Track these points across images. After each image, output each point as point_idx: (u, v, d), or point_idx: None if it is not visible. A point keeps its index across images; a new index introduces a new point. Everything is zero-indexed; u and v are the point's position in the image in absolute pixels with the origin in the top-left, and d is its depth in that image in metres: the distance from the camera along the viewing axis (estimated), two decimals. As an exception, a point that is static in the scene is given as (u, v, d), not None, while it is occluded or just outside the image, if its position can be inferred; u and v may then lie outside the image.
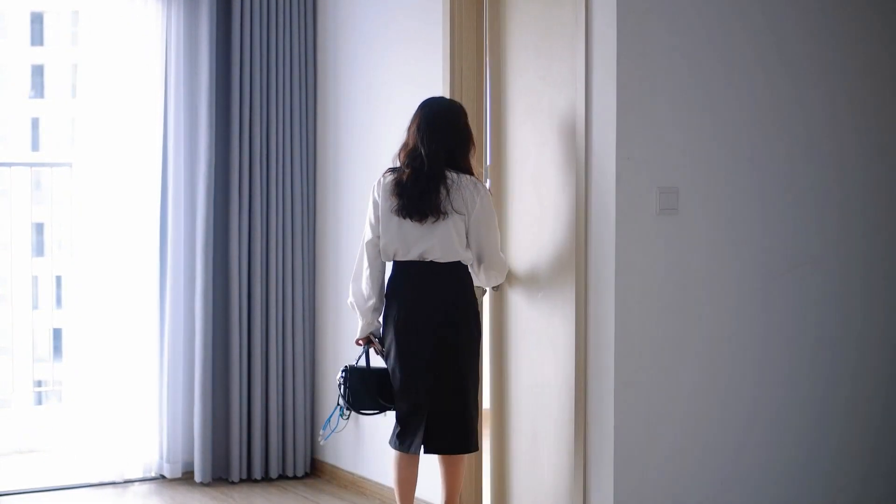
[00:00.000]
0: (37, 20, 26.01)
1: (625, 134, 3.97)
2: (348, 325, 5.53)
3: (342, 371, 4.36)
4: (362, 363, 4.35)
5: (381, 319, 4.33)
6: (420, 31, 5.00)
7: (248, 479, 5.63)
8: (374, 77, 5.34)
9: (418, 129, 4.19)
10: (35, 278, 7.08)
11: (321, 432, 5.57)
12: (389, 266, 4.31)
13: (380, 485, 5.31)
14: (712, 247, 4.17)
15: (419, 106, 4.27)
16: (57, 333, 6.48)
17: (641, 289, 4.03)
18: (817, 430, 4.41)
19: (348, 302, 4.40)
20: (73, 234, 5.58)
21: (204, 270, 5.47)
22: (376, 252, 4.27)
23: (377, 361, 4.38)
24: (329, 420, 5.53)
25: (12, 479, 5.57)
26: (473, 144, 4.27)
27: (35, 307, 7.19)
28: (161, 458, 5.60)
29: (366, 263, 4.29)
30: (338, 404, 4.50)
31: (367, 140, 5.39)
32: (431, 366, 4.19)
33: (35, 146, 24.58)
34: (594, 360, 4.07)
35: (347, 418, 5.48)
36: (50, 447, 6.05)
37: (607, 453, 4.02)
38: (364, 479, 5.43)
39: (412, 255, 4.18)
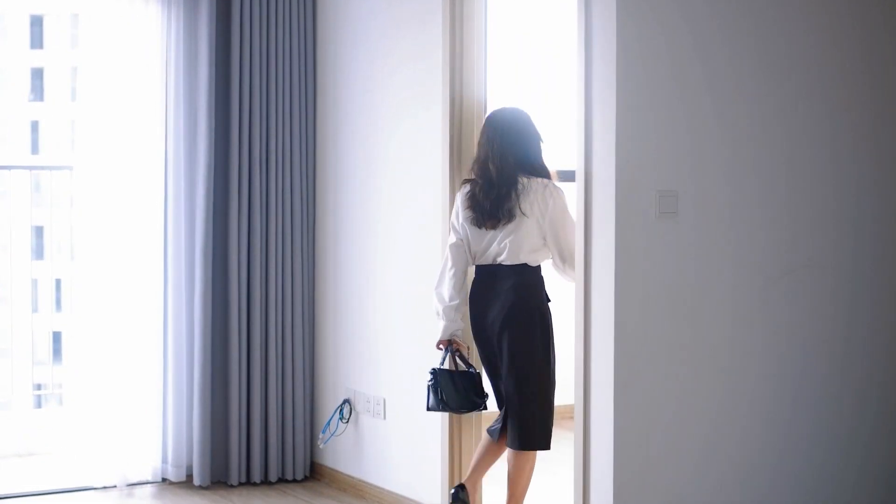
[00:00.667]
0: (36, 23, 25.99)
1: (624, 137, 3.97)
2: (348, 328, 5.53)
3: (430, 374, 4.46)
4: (447, 365, 4.47)
5: (462, 320, 4.48)
6: (420, 31, 5.00)
7: (248, 483, 5.62)
8: (374, 77, 5.34)
9: (488, 140, 4.39)
10: (34, 281, 7.07)
11: (321, 436, 5.59)
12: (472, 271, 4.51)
13: (379, 488, 5.31)
14: (712, 249, 4.17)
15: (486, 119, 4.47)
16: (56, 336, 6.47)
17: (641, 291, 4.03)
18: (817, 431, 4.41)
19: (434, 311, 4.52)
20: (72, 237, 5.58)
21: (203, 273, 5.47)
22: (459, 253, 4.45)
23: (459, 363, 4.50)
24: (329, 423, 5.55)
25: (11, 483, 5.57)
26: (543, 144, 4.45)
27: (34, 310, 7.18)
28: (164, 461, 5.59)
29: (450, 265, 4.46)
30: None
31: (367, 140, 5.39)
32: (499, 366, 4.39)
33: (35, 149, 24.55)
34: (595, 362, 4.07)
35: (347, 421, 5.51)
36: (49, 450, 6.04)
37: (607, 454, 4.02)
38: (363, 482, 5.42)
39: (487, 260, 4.39)
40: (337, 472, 5.61)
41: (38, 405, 6.70)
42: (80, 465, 5.52)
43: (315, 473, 5.74)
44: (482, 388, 4.45)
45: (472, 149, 4.81)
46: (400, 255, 5.19)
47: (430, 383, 4.44)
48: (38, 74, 26.03)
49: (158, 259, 5.51)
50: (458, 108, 4.79)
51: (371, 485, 5.37)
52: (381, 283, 5.30)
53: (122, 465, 5.49)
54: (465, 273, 4.46)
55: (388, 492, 5.23)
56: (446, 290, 4.44)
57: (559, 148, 4.65)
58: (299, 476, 5.68)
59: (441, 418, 4.84)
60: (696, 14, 4.12)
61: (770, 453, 4.31)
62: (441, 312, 4.45)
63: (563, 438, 4.70)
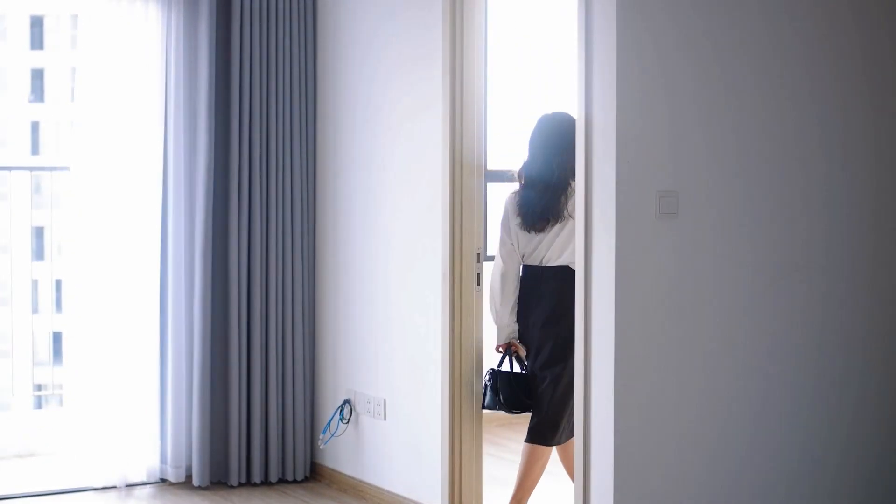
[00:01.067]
0: (36, 24, 25.99)
1: (625, 138, 3.97)
2: (348, 330, 5.52)
3: (488, 374, 4.61)
4: (505, 367, 4.62)
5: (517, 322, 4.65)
6: (420, 31, 5.00)
7: (248, 483, 5.62)
8: (375, 77, 5.34)
9: (547, 143, 4.55)
10: (35, 282, 7.07)
11: (321, 436, 5.58)
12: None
13: (379, 489, 5.31)
14: (712, 250, 4.17)
15: (542, 122, 4.62)
16: (57, 337, 6.47)
17: (641, 292, 4.03)
18: (820, 433, 4.41)
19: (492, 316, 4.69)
20: (72, 238, 5.58)
21: (203, 274, 5.47)
22: (510, 255, 4.61)
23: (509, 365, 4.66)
24: (329, 424, 5.55)
25: (11, 483, 5.57)
26: None
27: (35, 311, 7.18)
28: (164, 462, 5.59)
29: (501, 267, 4.61)
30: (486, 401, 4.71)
31: (367, 141, 5.39)
32: (534, 364, 4.55)
33: (35, 150, 24.56)
34: (595, 362, 4.07)
35: (347, 422, 5.51)
36: (50, 451, 6.04)
37: (607, 454, 4.01)
38: (364, 483, 5.42)
39: (534, 261, 4.57)
40: (337, 472, 5.61)
41: (39, 406, 6.70)
42: (80, 465, 5.52)
43: (315, 474, 5.74)
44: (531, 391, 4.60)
45: (473, 150, 4.80)
46: (400, 255, 5.19)
47: (488, 382, 4.58)
48: (38, 75, 26.03)
49: (158, 259, 5.51)
50: (459, 110, 4.78)
51: (371, 485, 5.37)
52: (382, 283, 5.30)
53: (121, 465, 5.49)
54: (517, 274, 4.63)
55: (388, 492, 5.23)
56: (500, 294, 4.60)
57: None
58: (299, 476, 5.68)
59: (441, 419, 4.84)
60: (696, 14, 4.12)
61: (771, 453, 4.31)
62: (496, 317, 4.63)
63: (564, 439, 4.71)
